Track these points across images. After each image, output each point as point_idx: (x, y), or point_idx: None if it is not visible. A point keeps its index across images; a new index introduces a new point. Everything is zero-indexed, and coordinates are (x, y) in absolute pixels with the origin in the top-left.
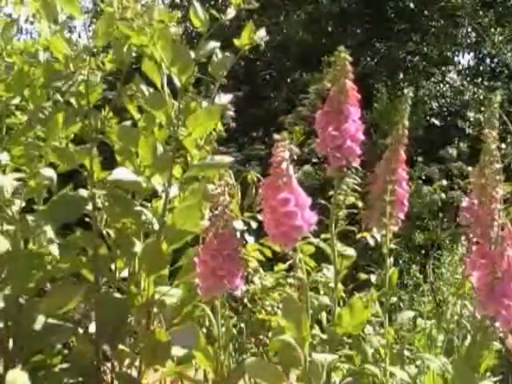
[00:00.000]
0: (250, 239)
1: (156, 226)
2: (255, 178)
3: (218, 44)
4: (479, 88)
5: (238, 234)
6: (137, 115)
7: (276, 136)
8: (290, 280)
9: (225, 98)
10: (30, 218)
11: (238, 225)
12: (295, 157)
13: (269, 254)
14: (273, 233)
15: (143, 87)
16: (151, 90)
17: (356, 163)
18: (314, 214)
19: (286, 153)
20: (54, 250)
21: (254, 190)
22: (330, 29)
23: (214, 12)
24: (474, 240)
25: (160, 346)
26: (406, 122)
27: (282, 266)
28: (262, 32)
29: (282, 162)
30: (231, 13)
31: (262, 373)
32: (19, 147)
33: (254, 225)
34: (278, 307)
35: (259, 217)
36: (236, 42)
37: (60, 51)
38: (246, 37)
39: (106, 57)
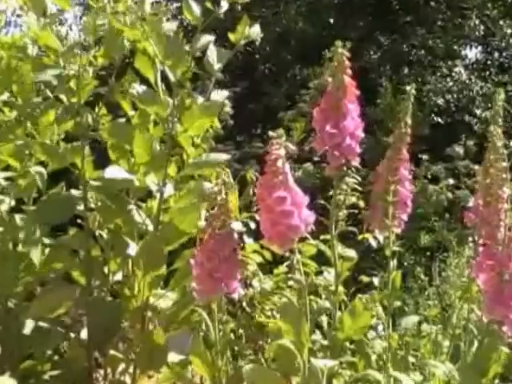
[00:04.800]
0: (249, 241)
1: (150, 227)
2: (253, 177)
3: (212, 38)
4: (487, 83)
5: (236, 235)
6: (130, 112)
7: (271, 133)
8: (290, 283)
9: (221, 94)
10: (18, 218)
11: (236, 226)
12: (295, 155)
13: (268, 256)
14: (269, 233)
15: (136, 84)
16: (144, 87)
17: (356, 162)
18: (312, 214)
19: (281, 150)
20: (34, 254)
21: (251, 190)
22: (331, 21)
23: (208, 4)
24: (480, 241)
25: (157, 349)
26: (409, 120)
27: (281, 269)
28: (257, 28)
29: (278, 160)
30: (224, 6)
31: (261, 380)
32: (8, 145)
33: (252, 225)
34: (278, 312)
35: (258, 217)
36: (231, 36)
37: (49, 45)
38: (241, 32)
39: (97, 51)
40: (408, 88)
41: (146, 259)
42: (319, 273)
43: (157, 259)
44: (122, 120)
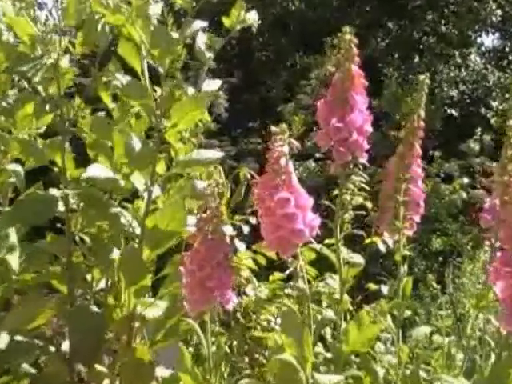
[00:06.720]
0: (242, 246)
1: (137, 230)
2: (248, 175)
3: (204, 23)
4: (505, 72)
5: (228, 240)
6: (111, 104)
7: (274, 128)
8: (288, 291)
9: (214, 84)
10: None
11: (228, 230)
12: (296, 151)
13: (263, 262)
14: (270, 238)
15: (119, 74)
16: (128, 77)
17: (363, 159)
18: (317, 217)
19: (284, 147)
20: (12, 259)
21: (243, 188)
22: (334, 4)
23: None
24: (498, 245)
25: (142, 365)
26: (422, 113)
27: (278, 276)
28: (253, 13)
29: (281, 158)
30: None
31: None
32: None
33: (245, 229)
34: (275, 322)
35: (252, 220)
36: (225, 21)
37: (25, 31)
38: (236, 16)
39: (77, 37)
40: (421, 78)
41: (128, 269)
42: (320, 280)
43: (139, 269)
44: (103, 114)
